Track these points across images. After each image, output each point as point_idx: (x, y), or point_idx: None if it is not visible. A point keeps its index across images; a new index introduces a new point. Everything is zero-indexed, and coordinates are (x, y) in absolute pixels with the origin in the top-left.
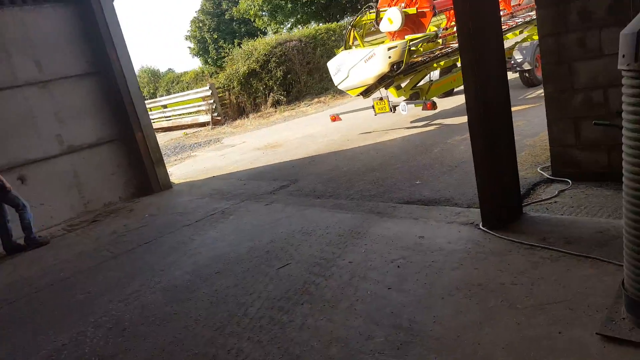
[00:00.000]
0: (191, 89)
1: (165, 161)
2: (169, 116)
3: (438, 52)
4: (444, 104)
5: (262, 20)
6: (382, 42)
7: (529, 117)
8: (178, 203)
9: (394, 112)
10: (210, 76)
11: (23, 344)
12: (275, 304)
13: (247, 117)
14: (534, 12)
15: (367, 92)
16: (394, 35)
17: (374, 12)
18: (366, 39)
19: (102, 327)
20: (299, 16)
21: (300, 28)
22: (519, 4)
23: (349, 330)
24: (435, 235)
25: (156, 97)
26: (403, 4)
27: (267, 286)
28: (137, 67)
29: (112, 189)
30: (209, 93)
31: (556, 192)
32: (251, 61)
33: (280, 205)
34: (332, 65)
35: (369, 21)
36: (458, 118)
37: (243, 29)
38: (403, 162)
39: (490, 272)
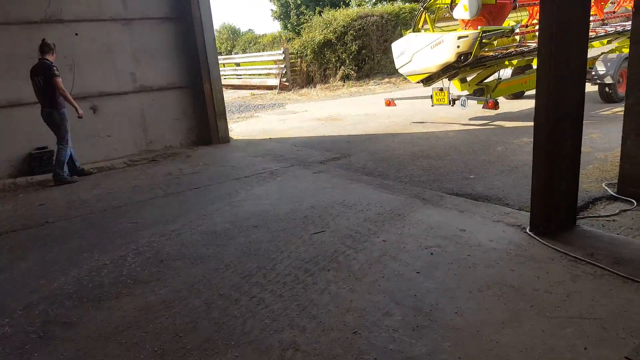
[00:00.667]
0: (266, 52)
1: (228, 117)
2: (240, 75)
3: (513, 49)
4: (510, 105)
5: None
6: (454, 30)
7: (606, 131)
8: (232, 157)
9: (453, 105)
10: (287, 41)
11: (69, 256)
12: (302, 266)
13: (314, 87)
14: (628, 23)
15: (428, 80)
16: (467, 24)
17: None
18: (437, 25)
19: (142, 255)
20: None
21: (385, 4)
22: (614, 12)
23: (369, 303)
24: (477, 230)
25: (231, 55)
26: None
27: (299, 248)
28: (218, 23)
29: (174, 134)
30: (281, 57)
31: (617, 211)
32: (328, 31)
33: (327, 176)
34: (396, 46)
35: (443, 5)
36: (521, 122)
37: None
38: (461, 154)
39: (526, 276)
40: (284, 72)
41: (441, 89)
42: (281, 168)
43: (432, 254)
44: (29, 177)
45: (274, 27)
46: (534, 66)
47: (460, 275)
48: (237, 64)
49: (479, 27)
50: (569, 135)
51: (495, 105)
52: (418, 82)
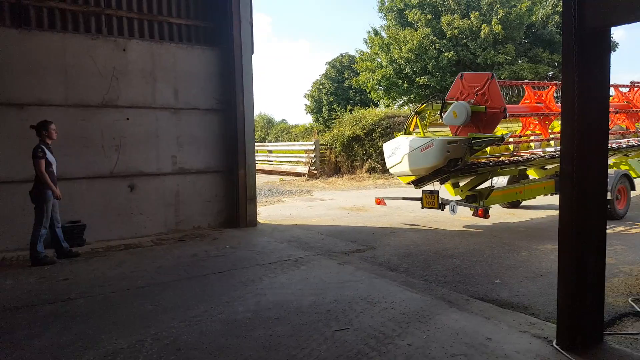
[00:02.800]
0: (298, 141)
1: (256, 200)
2: (272, 161)
3: (506, 158)
4: (507, 215)
5: (377, 93)
6: (446, 135)
7: (631, 244)
8: (258, 242)
9: (442, 210)
10: (318, 133)
11: (86, 337)
12: None
13: (341, 177)
14: (624, 140)
15: (419, 182)
16: (457, 130)
17: (440, 103)
18: (430, 129)
19: (160, 342)
20: (412, 95)
21: (410, 106)
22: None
23: None
24: (504, 340)
25: (265, 142)
26: (472, 100)
27: (321, 345)
28: (256, 112)
29: (204, 215)
30: (312, 147)
31: None
32: (358, 127)
33: (352, 268)
34: (387, 147)
35: (434, 111)
36: (518, 235)
37: (357, 98)
38: (487, 256)
39: None
40: (313, 160)
41: (431, 192)
42: (306, 256)
43: None
44: None
45: (307, 119)
46: (531, 176)
47: None
48: (270, 151)
49: (469, 134)
50: (594, 249)
51: (486, 214)
52: (409, 184)
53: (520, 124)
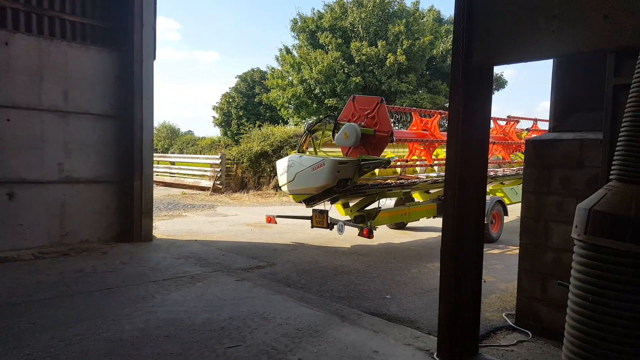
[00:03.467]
0: (203, 154)
1: (154, 215)
2: (174, 173)
3: (393, 180)
4: (391, 236)
5: (287, 111)
6: (338, 155)
7: (509, 263)
8: (152, 258)
9: (331, 229)
10: (225, 147)
11: None
12: None
13: (247, 192)
14: (500, 169)
15: (310, 201)
16: (347, 151)
17: (332, 123)
18: (323, 149)
19: None
20: (321, 116)
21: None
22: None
23: None
24: (389, 353)
25: (168, 153)
26: (363, 122)
27: None
28: (158, 122)
29: (93, 228)
30: (218, 161)
31: (515, 341)
32: (266, 143)
33: (250, 285)
34: (280, 164)
35: (327, 131)
36: (410, 253)
37: (268, 114)
38: (380, 273)
39: None
40: (218, 175)
41: (321, 212)
42: (203, 273)
43: None
44: None
45: (214, 132)
46: (416, 199)
47: None
48: (172, 163)
49: (358, 155)
50: (471, 268)
51: (370, 234)
52: (300, 202)
53: (407, 149)
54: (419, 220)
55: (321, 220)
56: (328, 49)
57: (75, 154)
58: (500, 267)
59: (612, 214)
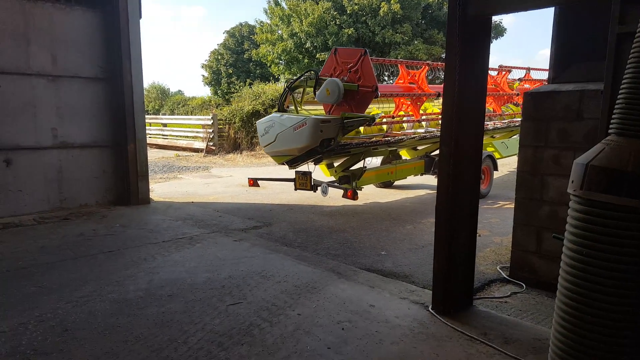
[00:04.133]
0: (195, 115)
1: (150, 177)
2: (167, 135)
3: (379, 138)
4: (380, 195)
5: (278, 67)
6: (320, 114)
7: (504, 217)
8: (151, 220)
9: (315, 191)
10: (216, 107)
11: None
12: (216, 339)
13: (241, 153)
14: (490, 123)
15: (293, 163)
16: (330, 108)
17: (313, 79)
18: (306, 107)
19: (45, 323)
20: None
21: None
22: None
23: None
24: (385, 306)
25: (159, 114)
26: (346, 77)
27: (214, 319)
28: (148, 82)
29: (91, 192)
30: (210, 122)
31: (509, 293)
32: (257, 102)
33: (248, 244)
34: (260, 125)
35: (309, 88)
36: (405, 209)
37: (258, 71)
38: (375, 230)
39: (426, 353)
40: (211, 136)
41: (304, 174)
42: (202, 234)
43: (343, 329)
44: None
45: (204, 91)
46: (404, 157)
47: (368, 351)
48: (165, 125)
49: (341, 113)
50: (465, 225)
51: (355, 196)
52: (283, 164)
53: (393, 104)
54: (406, 178)
55: (304, 182)
56: None
57: (68, 119)
58: (496, 221)
59: (609, 168)
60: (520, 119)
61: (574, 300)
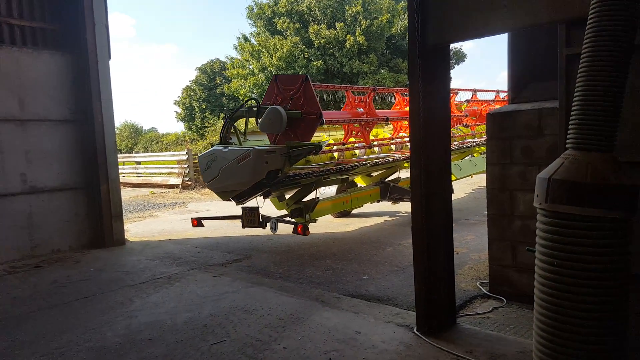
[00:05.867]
0: (169, 151)
1: (125, 217)
2: (140, 173)
3: (331, 167)
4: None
5: (250, 101)
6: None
7: (479, 233)
8: (127, 261)
9: (264, 228)
10: (191, 142)
11: None
12: None
13: None
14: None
15: (239, 198)
16: (275, 138)
17: (255, 108)
18: (250, 138)
19: None
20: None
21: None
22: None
23: None
24: (371, 332)
25: (132, 153)
26: (288, 105)
27: None
28: (120, 121)
29: (63, 236)
30: (185, 157)
31: (490, 308)
32: None
33: (229, 279)
34: (202, 159)
35: (251, 117)
36: (384, 232)
37: (231, 105)
38: (356, 255)
39: None
40: (187, 171)
41: (251, 210)
42: (180, 272)
43: (330, 359)
44: None
45: (178, 127)
46: (359, 184)
47: None
48: (138, 162)
49: (286, 142)
50: (442, 245)
51: (305, 231)
52: (229, 200)
53: (343, 132)
54: (362, 206)
55: (252, 218)
56: (287, 34)
57: (37, 163)
58: (472, 238)
59: (569, 181)
60: (470, 140)
61: (549, 310)
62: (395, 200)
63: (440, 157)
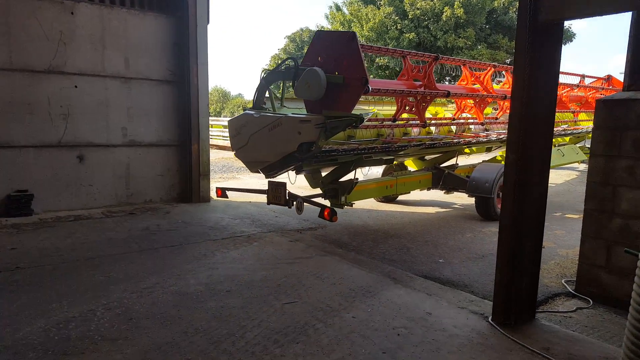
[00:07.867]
0: None
1: (210, 176)
2: (227, 136)
3: (377, 145)
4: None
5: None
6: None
7: (570, 229)
8: (211, 217)
9: (290, 207)
10: None
11: (36, 305)
12: (272, 336)
13: None
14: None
15: (269, 171)
16: (312, 105)
17: (292, 70)
18: (288, 104)
19: (112, 311)
20: (372, 76)
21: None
22: (497, 118)
23: None
24: (443, 315)
25: (220, 116)
26: (331, 67)
27: (270, 317)
28: (211, 86)
29: (156, 189)
30: None
31: (574, 308)
32: None
33: (303, 245)
34: (232, 124)
35: (288, 81)
36: (464, 218)
37: None
38: (433, 237)
39: None
40: None
41: (278, 185)
42: (258, 233)
43: (399, 334)
44: (5, 219)
45: None
46: (410, 168)
47: (424, 359)
48: (225, 126)
49: (323, 112)
50: (530, 237)
51: (332, 216)
52: (257, 172)
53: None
54: (409, 192)
55: (278, 195)
56: (380, 4)
57: (137, 119)
58: (561, 233)
59: None
60: (562, 127)
61: None
62: (449, 190)
63: (541, 143)
